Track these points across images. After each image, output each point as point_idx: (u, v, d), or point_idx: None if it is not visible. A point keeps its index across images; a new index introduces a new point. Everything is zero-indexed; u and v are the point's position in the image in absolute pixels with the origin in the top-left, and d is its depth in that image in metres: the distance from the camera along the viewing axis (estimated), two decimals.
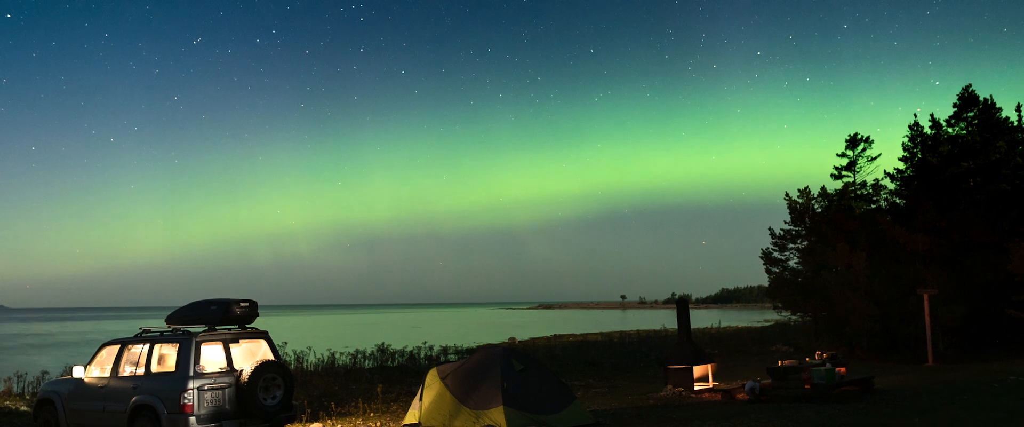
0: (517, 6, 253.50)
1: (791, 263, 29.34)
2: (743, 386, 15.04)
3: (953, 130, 26.77)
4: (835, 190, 28.60)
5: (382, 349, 24.48)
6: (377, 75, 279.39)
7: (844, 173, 28.83)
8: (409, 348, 25.70)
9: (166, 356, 10.06)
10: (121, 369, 10.44)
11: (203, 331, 10.08)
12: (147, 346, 10.29)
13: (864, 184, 28.42)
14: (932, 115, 27.30)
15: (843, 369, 15.71)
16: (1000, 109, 26.37)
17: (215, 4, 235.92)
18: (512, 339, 41.40)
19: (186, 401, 9.34)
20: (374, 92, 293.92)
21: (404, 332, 56.22)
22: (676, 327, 17.76)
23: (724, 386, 16.00)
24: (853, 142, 28.66)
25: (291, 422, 10.94)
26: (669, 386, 16.28)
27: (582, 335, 43.90)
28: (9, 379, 16.91)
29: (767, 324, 45.66)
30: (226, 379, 9.77)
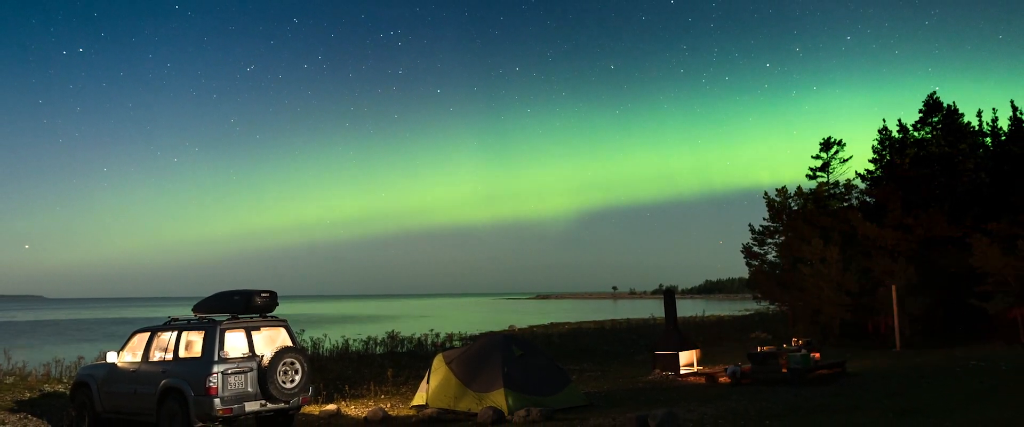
0: (542, 28, 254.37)
1: (769, 257, 29.36)
2: (725, 370, 15.04)
3: (919, 134, 26.78)
4: (810, 189, 28.62)
5: (392, 336, 24.44)
6: (415, 95, 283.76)
7: (818, 174, 28.87)
8: (417, 335, 25.65)
9: (193, 342, 10.04)
10: (151, 355, 10.43)
11: (227, 319, 10.07)
12: (175, 333, 10.28)
13: (837, 184, 28.44)
14: (899, 120, 27.34)
15: (817, 354, 15.71)
16: (962, 114, 26.42)
17: (266, 34, 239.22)
18: (512, 327, 41.34)
19: (211, 384, 9.33)
20: (412, 110, 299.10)
21: (412, 320, 56.22)
22: (664, 316, 17.75)
23: (708, 370, 16.00)
24: (826, 145, 28.69)
25: (308, 404, 10.93)
26: (657, 370, 16.28)
27: (577, 323, 43.85)
28: (48, 364, 16.88)
29: (747, 313, 45.58)
30: (248, 364, 9.75)
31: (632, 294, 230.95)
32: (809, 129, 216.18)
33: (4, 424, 10.76)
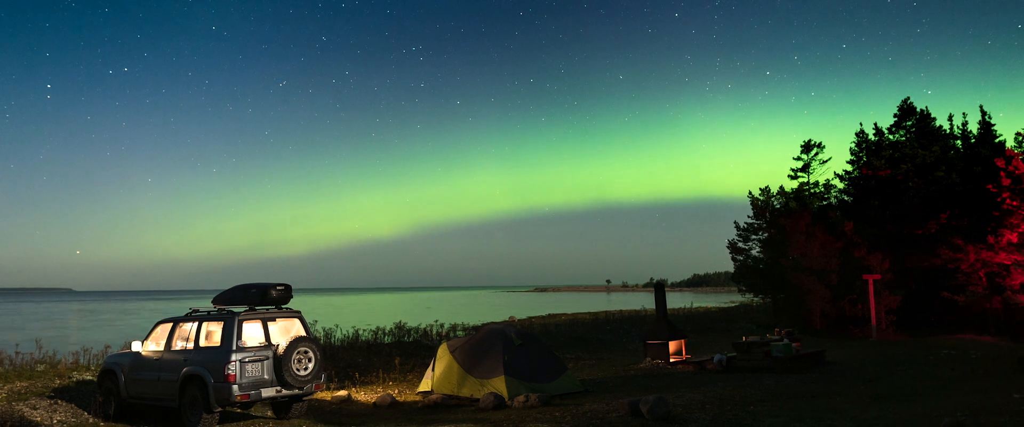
0: (555, 41, 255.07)
1: (753, 252, 29.36)
2: (713, 358, 15.04)
3: (893, 137, 26.77)
4: (792, 189, 28.62)
5: (399, 326, 24.42)
6: (436, 106, 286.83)
7: (799, 174, 28.86)
8: (423, 325, 25.65)
9: (213, 332, 10.03)
10: (173, 344, 10.43)
11: (244, 311, 10.06)
12: (196, 324, 10.27)
13: (817, 184, 28.44)
14: (875, 123, 27.34)
15: (799, 344, 15.72)
16: (934, 119, 26.44)
17: (296, 52, 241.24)
18: (512, 318, 41.36)
19: (230, 371, 9.32)
20: (434, 120, 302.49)
21: (419, 311, 56.21)
22: (654, 308, 17.74)
23: (696, 358, 16.00)
24: (807, 147, 28.69)
25: (321, 390, 10.93)
26: (648, 358, 16.27)
27: (573, 314, 43.81)
28: (76, 352, 16.88)
29: (733, 305, 45.59)
30: (264, 352, 9.75)
31: (625, 287, 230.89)
32: (808, 133, 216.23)
33: (36, 409, 10.77)
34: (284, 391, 9.79)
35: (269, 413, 10.84)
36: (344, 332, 22.97)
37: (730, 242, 29.83)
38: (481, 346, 12.32)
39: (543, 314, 47.17)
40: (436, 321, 27.30)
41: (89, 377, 13.71)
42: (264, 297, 10.19)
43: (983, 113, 25.40)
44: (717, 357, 14.88)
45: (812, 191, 28.39)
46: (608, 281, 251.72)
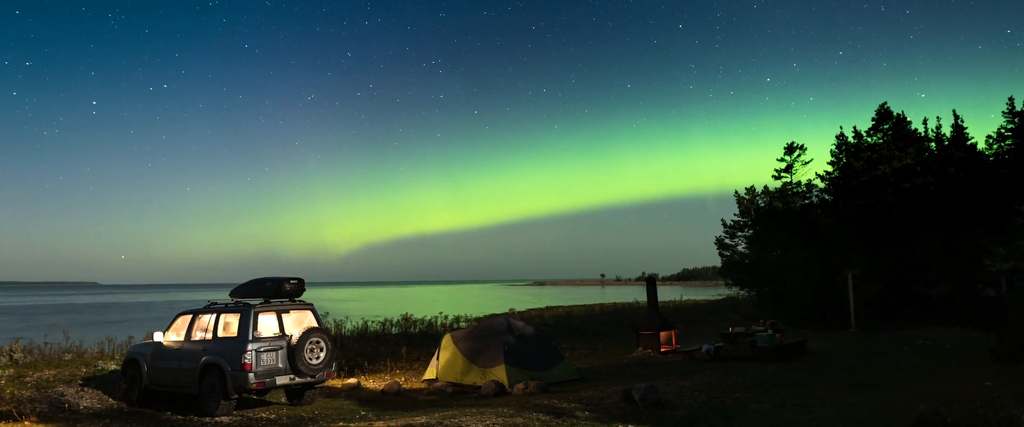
0: (565, 53, 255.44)
1: (740, 248, 29.35)
2: (701, 348, 15.04)
3: (871, 139, 26.75)
4: (776, 189, 28.59)
5: (406, 318, 24.41)
6: (455, 115, 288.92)
7: (783, 175, 28.81)
8: (428, 317, 25.63)
9: (230, 324, 10.03)
10: (193, 334, 10.42)
11: (260, 303, 10.06)
12: (214, 315, 10.27)
13: (799, 184, 28.41)
14: (854, 127, 27.32)
15: (782, 335, 15.70)
16: (910, 122, 26.41)
17: (324, 66, 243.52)
18: (512, 310, 41.28)
19: (246, 360, 9.33)
20: (453, 129, 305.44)
21: (425, 304, 56.19)
22: (646, 300, 17.73)
23: (685, 348, 15.99)
24: (789, 149, 28.63)
25: (332, 378, 10.93)
26: (640, 348, 16.26)
27: (569, 307, 43.84)
28: (102, 343, 16.89)
29: (720, 298, 45.54)
30: (279, 343, 9.75)
31: (618, 281, 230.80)
32: (806, 137, 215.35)
33: (64, 395, 10.77)
34: (297, 379, 9.80)
35: (283, 399, 10.85)
36: (354, 324, 22.95)
37: (718, 238, 29.85)
38: (483, 336, 12.32)
39: (541, 306, 47.15)
40: (440, 313, 27.27)
41: (114, 366, 13.71)
42: (278, 290, 10.20)
43: (956, 117, 25.38)
44: (705, 347, 14.87)
45: (795, 191, 28.37)
46: (602, 275, 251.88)
